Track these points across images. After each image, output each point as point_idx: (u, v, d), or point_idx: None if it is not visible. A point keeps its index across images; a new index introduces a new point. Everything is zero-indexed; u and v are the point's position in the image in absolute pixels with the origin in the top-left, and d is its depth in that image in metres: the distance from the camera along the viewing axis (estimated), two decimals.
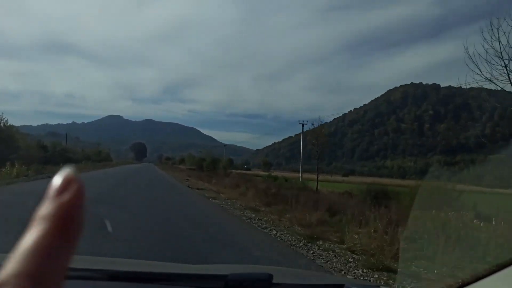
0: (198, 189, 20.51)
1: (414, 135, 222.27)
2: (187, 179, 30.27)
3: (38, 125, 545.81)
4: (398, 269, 5.54)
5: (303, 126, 42.75)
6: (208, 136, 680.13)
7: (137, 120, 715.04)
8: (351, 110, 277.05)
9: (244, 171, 71.34)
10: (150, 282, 1.33)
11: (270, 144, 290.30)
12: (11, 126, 30.40)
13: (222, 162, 54.82)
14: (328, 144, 54.13)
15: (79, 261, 1.78)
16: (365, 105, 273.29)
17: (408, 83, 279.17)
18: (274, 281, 1.33)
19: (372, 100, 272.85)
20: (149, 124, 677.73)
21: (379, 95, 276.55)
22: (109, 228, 6.26)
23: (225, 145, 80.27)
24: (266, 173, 49.07)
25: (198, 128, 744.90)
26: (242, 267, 2.20)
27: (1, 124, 29.62)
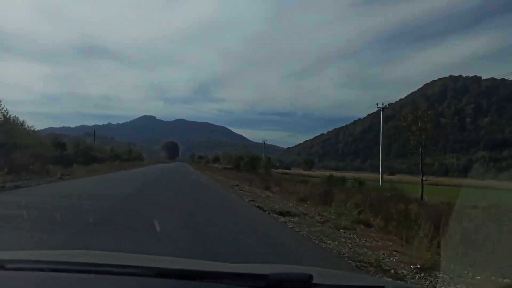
0: (278, 213, 10.70)
1: (455, 130, 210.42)
2: (237, 185, 22.04)
3: (76, 126, 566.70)
4: (440, 272, 5.12)
5: (382, 111, 35.52)
6: (239, 134, 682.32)
7: (169, 120, 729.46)
8: (386, 106, 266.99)
9: (284, 170, 67.92)
10: (193, 279, 1.38)
11: (302, 142, 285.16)
12: (14, 119, 23.80)
13: (263, 160, 51.21)
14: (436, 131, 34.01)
15: (126, 258, 1.96)
16: (401, 99, 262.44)
17: (447, 76, 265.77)
18: (314, 281, 1.34)
19: (408, 95, 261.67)
20: (180, 124, 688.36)
21: (415, 89, 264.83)
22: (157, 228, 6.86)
23: (264, 142, 72.31)
24: (326, 174, 47.56)
25: (228, 127, 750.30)
26: (281, 267, 2.26)
27: None
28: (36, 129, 27.18)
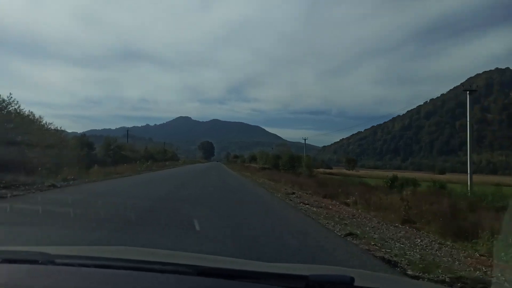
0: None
1: (502, 126, 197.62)
2: (293, 192, 16.65)
3: (116, 128, 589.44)
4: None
5: (469, 94, 25.62)
6: (273, 134, 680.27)
7: (204, 121, 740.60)
8: (426, 101, 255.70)
9: (325, 170, 64.29)
10: (232, 278, 1.38)
11: (338, 140, 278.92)
12: (29, 114, 20.82)
13: (306, 159, 47.16)
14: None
15: (167, 255, 2.00)
16: (442, 95, 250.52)
17: (492, 68, 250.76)
18: (356, 284, 1.31)
19: (450, 89, 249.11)
20: (215, 124, 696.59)
21: (458, 84, 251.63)
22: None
23: (305, 140, 65.99)
24: (372, 173, 44.75)
25: (262, 126, 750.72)
26: (321, 268, 2.22)
27: (7, 110, 19.49)
28: (61, 128, 24.39)
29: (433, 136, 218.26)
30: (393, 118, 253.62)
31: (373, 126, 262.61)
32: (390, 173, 31.13)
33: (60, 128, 24.64)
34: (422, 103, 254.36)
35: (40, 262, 1.42)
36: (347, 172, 69.74)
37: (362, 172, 76.29)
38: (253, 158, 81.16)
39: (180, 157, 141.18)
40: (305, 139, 68.02)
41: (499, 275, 4.72)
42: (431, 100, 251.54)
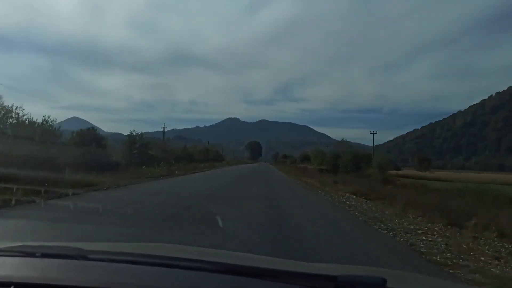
0: None
1: None
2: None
3: (167, 130, 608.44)
4: None
5: None
6: (322, 133, 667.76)
7: (252, 122, 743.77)
8: (492, 95, 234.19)
9: (397, 172, 48.70)
10: (260, 277, 1.36)
11: (392, 138, 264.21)
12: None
13: (380, 159, 40.02)
14: None
15: (195, 252, 2.03)
16: (510, 87, 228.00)
17: None
18: (388, 285, 1.24)
19: None
20: (263, 125, 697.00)
21: None
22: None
23: (374, 134, 53.33)
24: (451, 176, 37.89)
25: (311, 126, 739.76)
26: (351, 268, 2.17)
27: None
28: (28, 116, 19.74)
29: (501, 132, 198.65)
30: (454, 114, 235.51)
31: (431, 123, 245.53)
32: (476, 176, 25.14)
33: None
34: (487, 97, 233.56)
35: (74, 257, 1.47)
36: (422, 174, 56.87)
37: (440, 174, 62.57)
38: (305, 158, 72.41)
39: (228, 157, 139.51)
40: (373, 133, 54.07)
41: None
42: (497, 93, 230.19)
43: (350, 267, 2.43)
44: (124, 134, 39.67)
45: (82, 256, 1.48)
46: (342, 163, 38.34)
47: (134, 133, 32.89)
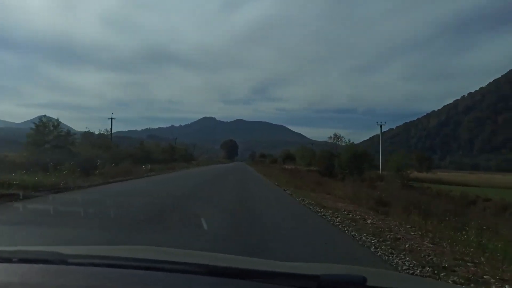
0: None
1: None
2: None
3: (141, 129, 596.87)
4: None
5: None
6: (298, 133, 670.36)
7: (228, 121, 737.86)
8: (464, 95, 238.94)
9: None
10: (242, 278, 1.37)
11: (367, 138, 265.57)
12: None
13: (397, 157, 34.47)
14: None
15: (178, 254, 2.00)
16: (482, 88, 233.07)
17: None
18: (369, 283, 1.29)
19: (490, 82, 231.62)
20: (239, 124, 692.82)
21: (499, 76, 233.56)
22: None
23: (381, 125, 46.64)
24: (457, 178, 34.30)
25: (287, 126, 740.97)
26: (333, 267, 2.20)
27: None
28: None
29: (473, 132, 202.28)
30: (428, 114, 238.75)
31: (405, 123, 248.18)
32: (489, 178, 21.67)
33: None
34: (460, 98, 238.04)
35: (53, 261, 1.43)
36: (426, 176, 44.93)
37: (441, 174, 55.19)
38: (288, 157, 63.95)
39: (203, 156, 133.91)
40: (381, 125, 46.29)
41: None
42: (469, 94, 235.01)
43: (331, 266, 2.44)
44: (96, 133, 37.53)
45: (61, 260, 1.43)
46: (339, 163, 32.43)
47: (44, 120, 24.25)
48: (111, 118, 45.58)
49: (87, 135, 33.89)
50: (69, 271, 1.37)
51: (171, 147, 58.14)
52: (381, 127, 45.20)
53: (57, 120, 24.68)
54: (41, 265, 1.40)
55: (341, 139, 45.35)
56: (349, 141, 41.12)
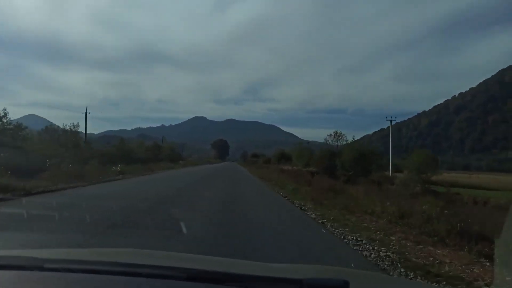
0: None
1: None
2: None
3: (132, 129, 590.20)
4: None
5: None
6: (289, 133, 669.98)
7: (220, 121, 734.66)
8: (455, 96, 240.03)
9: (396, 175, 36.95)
10: (223, 283, 1.35)
11: (359, 138, 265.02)
12: None
13: (421, 153, 31.23)
14: None
15: (158, 257, 1.94)
16: (472, 88, 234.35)
17: None
18: (351, 286, 1.31)
19: (480, 83, 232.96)
20: (230, 124, 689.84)
21: (489, 76, 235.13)
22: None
23: (391, 120, 44.87)
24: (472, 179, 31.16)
25: (278, 126, 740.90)
26: (316, 269, 2.23)
27: None
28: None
29: (464, 132, 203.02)
30: (418, 114, 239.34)
31: (397, 123, 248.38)
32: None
33: None
34: (450, 98, 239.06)
35: (28, 268, 1.36)
36: (438, 178, 38.02)
37: (449, 176, 48.23)
38: (282, 157, 60.03)
39: (193, 156, 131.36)
40: (391, 120, 43.06)
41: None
42: (460, 94, 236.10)
43: (314, 267, 2.42)
44: (83, 132, 37.09)
45: (37, 266, 1.35)
46: (342, 163, 28.80)
47: None
48: (85, 113, 42.64)
49: (49, 131, 30.04)
50: (46, 277, 1.30)
51: (156, 145, 54.27)
52: (391, 122, 40.77)
53: (3, 110, 21.55)
54: (15, 272, 1.32)
55: (342, 137, 42.66)
56: (353, 138, 38.95)
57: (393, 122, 49.66)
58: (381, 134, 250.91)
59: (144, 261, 1.59)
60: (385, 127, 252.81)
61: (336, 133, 42.78)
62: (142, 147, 47.03)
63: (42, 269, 1.34)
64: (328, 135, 43.21)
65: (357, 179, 24.71)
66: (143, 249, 2.36)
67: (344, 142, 40.62)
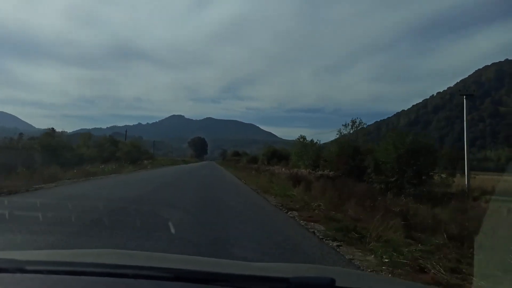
0: None
1: None
2: None
3: (107, 127, 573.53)
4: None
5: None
6: (268, 132, 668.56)
7: (198, 119, 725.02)
8: (433, 95, 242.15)
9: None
10: (209, 283, 1.34)
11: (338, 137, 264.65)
12: None
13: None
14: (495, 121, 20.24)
15: (143, 258, 1.92)
16: (449, 88, 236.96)
17: (502, 60, 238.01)
18: (337, 284, 1.33)
19: (457, 82, 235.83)
20: (209, 122, 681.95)
21: (466, 76, 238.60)
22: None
23: (465, 94, 31.96)
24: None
25: (257, 125, 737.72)
26: (303, 268, 2.20)
27: None
28: None
29: (443, 131, 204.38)
30: (398, 112, 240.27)
31: (376, 122, 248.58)
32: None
33: None
34: (429, 97, 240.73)
35: (9, 270, 1.32)
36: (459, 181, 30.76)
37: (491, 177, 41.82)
38: (274, 155, 48.55)
39: (171, 155, 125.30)
40: (465, 94, 27.78)
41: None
42: (438, 93, 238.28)
43: (300, 266, 2.43)
44: (58, 130, 32.47)
45: (18, 269, 1.32)
46: (375, 164, 20.01)
47: None
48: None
49: None
50: (27, 279, 1.26)
51: (112, 141, 43.14)
52: (464, 97, 25.58)
53: None
54: None
55: (362, 125, 33.31)
56: (396, 125, 30.30)
57: (379, 120, 42.05)
58: (361, 132, 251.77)
59: (128, 262, 1.56)
60: (365, 125, 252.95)
61: (353, 121, 32.74)
62: (89, 143, 37.61)
63: (23, 271, 1.29)
64: (343, 125, 33.11)
65: (404, 188, 17.83)
66: (125, 250, 2.21)
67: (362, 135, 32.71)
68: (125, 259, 1.76)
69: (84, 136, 39.93)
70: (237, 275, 1.43)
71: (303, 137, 38.22)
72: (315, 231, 7.31)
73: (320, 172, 23.38)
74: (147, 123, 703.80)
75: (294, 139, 40.65)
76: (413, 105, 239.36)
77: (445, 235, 6.32)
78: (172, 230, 6.26)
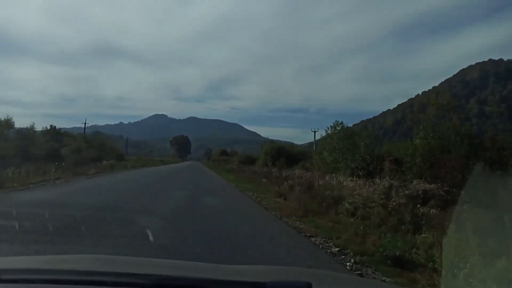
0: None
1: (503, 118, 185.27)
2: None
3: (88, 126, 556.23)
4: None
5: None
6: (252, 131, 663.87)
7: (181, 118, 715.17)
8: (418, 94, 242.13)
9: None
10: None
11: (325, 135, 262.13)
12: None
13: None
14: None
15: (123, 264, 1.87)
16: (434, 87, 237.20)
17: (486, 60, 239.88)
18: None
19: (442, 82, 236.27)
20: (193, 122, 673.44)
21: (451, 75, 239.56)
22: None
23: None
24: None
25: (241, 124, 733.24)
26: (280, 270, 2.26)
27: None
28: None
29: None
30: (384, 112, 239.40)
31: (362, 121, 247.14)
32: None
33: None
34: (414, 96, 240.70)
35: None
36: None
37: None
38: (280, 155, 36.75)
39: (152, 155, 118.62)
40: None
41: None
42: (423, 92, 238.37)
43: (277, 269, 2.44)
44: (37, 129, 31.32)
45: None
46: (410, 165, 14.44)
47: None
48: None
49: None
50: None
51: (52, 134, 34.68)
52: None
53: None
54: None
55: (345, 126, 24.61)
56: (383, 124, 25.62)
57: (360, 120, 38.59)
58: (348, 131, 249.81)
59: (107, 268, 1.54)
60: (351, 125, 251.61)
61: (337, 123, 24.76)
62: (37, 140, 30.21)
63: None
64: (331, 125, 24.87)
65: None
66: (103, 255, 2.19)
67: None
68: (104, 265, 1.70)
69: (31, 131, 31.87)
70: (214, 280, 1.41)
71: (340, 124, 25.94)
72: None
73: (421, 187, 11.65)
74: (129, 122, 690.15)
75: (278, 139, 31.41)
76: (398, 105, 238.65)
77: None
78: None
